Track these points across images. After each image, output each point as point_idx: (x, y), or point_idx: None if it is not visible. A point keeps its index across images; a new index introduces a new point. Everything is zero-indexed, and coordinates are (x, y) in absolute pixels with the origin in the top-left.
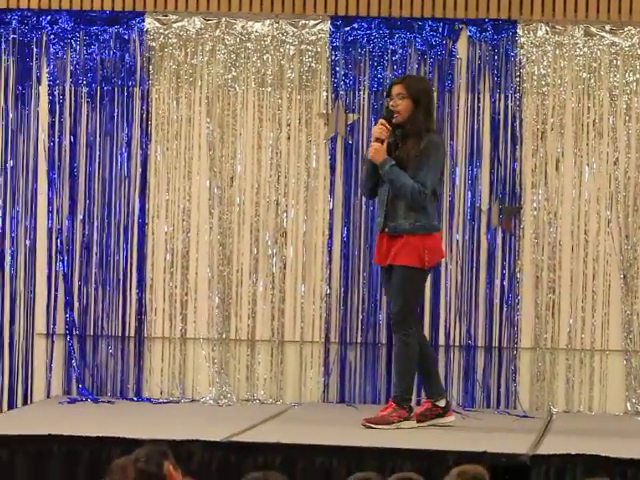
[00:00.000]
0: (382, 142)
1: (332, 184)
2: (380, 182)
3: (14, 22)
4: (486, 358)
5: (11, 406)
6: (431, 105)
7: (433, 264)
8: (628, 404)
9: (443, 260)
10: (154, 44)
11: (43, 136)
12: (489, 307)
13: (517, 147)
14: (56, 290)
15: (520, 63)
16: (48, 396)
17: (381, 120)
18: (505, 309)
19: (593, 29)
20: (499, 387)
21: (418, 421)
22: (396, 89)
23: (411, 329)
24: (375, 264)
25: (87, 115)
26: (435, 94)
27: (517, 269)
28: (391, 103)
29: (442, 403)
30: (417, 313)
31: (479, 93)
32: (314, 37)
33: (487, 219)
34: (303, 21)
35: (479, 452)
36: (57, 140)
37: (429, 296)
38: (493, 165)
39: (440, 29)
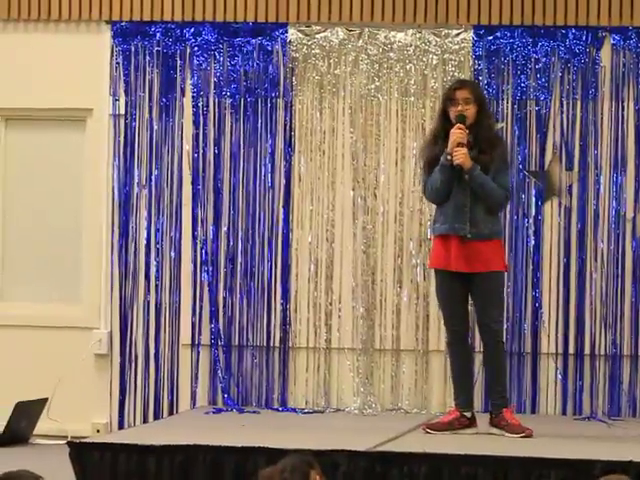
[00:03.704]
0: (463, 146)
1: None
2: (454, 186)
3: (158, 34)
4: (632, 367)
5: (157, 416)
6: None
7: None
8: None
9: (588, 268)
10: (297, 55)
11: (187, 147)
12: (635, 316)
13: None
14: (201, 301)
15: None
16: (194, 406)
17: (459, 125)
18: None
19: None
20: None
21: (443, 430)
22: (463, 93)
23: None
24: (440, 268)
25: (231, 126)
26: (578, 102)
27: None
28: (459, 108)
29: (469, 414)
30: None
31: (623, 101)
32: (457, 46)
33: (632, 227)
34: (446, 30)
35: (625, 461)
36: (201, 151)
37: (574, 305)
38: (638, 173)
39: (583, 37)
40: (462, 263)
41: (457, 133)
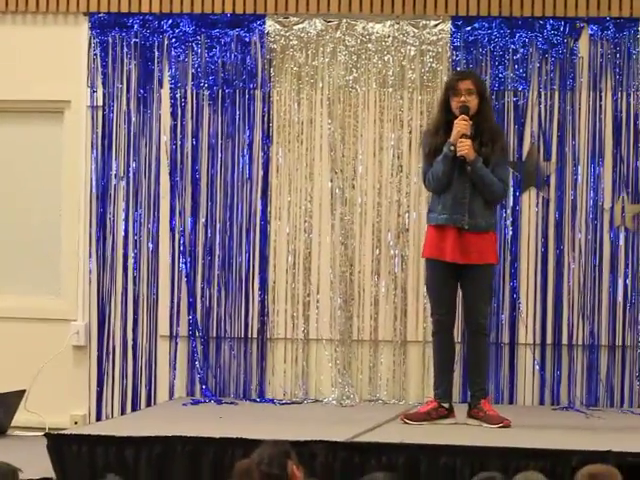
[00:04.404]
0: (467, 138)
1: None
2: (454, 177)
3: (136, 26)
4: (609, 357)
5: (135, 408)
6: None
7: None
8: None
9: (566, 259)
10: (275, 46)
11: (165, 139)
12: (612, 306)
13: (639, 145)
14: (179, 292)
15: None
16: (171, 397)
17: (463, 116)
18: (628, 308)
19: None
20: (623, 386)
21: (421, 420)
22: (465, 84)
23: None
24: (433, 258)
25: (209, 118)
26: (556, 93)
27: None
28: (462, 99)
29: (447, 405)
30: None
31: (601, 91)
32: (435, 37)
33: (610, 218)
34: (424, 21)
35: (603, 451)
36: (179, 143)
37: (552, 295)
38: (615, 163)
39: (561, 28)
40: (458, 254)
41: (462, 124)
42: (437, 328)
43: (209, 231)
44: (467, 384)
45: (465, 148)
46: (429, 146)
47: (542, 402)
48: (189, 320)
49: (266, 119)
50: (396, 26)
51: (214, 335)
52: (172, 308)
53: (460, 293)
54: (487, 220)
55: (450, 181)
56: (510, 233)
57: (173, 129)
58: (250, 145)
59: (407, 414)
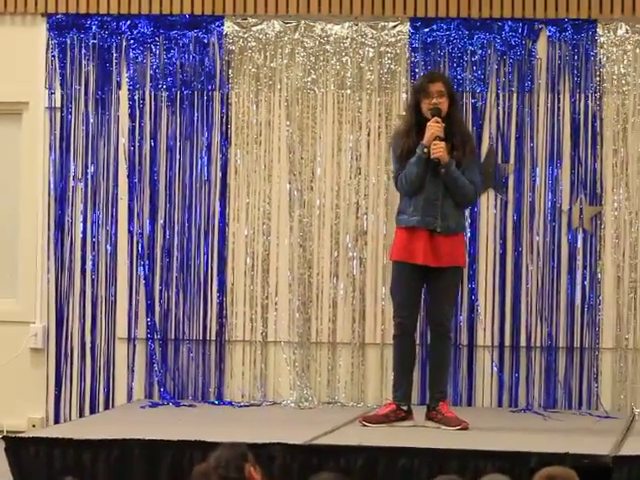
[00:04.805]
0: (441, 140)
1: None
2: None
3: (94, 27)
4: (567, 359)
5: (93, 410)
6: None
7: None
8: None
9: (524, 260)
10: (233, 47)
11: (123, 141)
12: (570, 308)
13: (598, 147)
14: (137, 294)
15: (600, 63)
16: (130, 400)
17: (436, 118)
18: (586, 310)
19: None
20: (581, 388)
21: (379, 422)
22: (436, 86)
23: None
24: (403, 261)
25: (167, 119)
26: (514, 94)
27: (598, 269)
28: (434, 101)
29: (405, 407)
30: None
31: (559, 93)
32: (393, 39)
33: (568, 219)
34: (382, 23)
35: (561, 453)
36: (137, 145)
37: (510, 297)
38: (574, 165)
39: (519, 29)
40: (430, 257)
41: (435, 126)
42: (399, 331)
43: (167, 233)
44: (428, 385)
45: (440, 151)
46: (401, 148)
47: (500, 404)
48: (147, 322)
49: (224, 121)
50: (354, 27)
51: (172, 337)
52: (130, 310)
53: (424, 295)
54: (457, 221)
55: (423, 183)
56: (468, 234)
57: (131, 131)
58: (209, 147)
59: (365, 416)
